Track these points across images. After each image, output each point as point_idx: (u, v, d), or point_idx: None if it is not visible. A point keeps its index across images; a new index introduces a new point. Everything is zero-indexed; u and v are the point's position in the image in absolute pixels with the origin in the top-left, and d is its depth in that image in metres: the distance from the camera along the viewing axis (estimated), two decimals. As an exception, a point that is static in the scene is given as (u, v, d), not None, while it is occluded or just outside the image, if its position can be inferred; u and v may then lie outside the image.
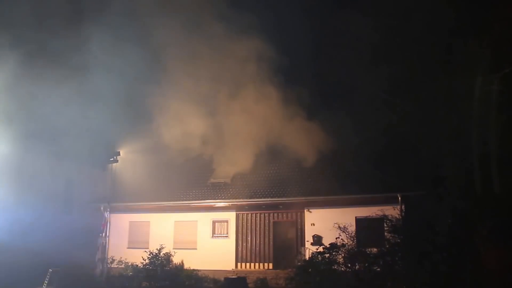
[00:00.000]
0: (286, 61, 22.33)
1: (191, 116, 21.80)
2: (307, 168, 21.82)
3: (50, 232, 20.24)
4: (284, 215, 22.11)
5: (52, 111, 19.24)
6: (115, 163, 22.31)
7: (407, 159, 20.34)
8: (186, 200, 23.04)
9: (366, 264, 15.80)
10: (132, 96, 21.81)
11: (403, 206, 19.11)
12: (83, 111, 20.46)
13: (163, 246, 20.68)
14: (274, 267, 21.27)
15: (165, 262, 20.43)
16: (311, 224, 21.08)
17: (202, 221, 23.00)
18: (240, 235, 22.39)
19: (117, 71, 20.33)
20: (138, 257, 20.44)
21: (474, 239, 15.28)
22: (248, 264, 21.93)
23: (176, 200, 23.13)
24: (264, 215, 22.29)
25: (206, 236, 22.81)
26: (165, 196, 23.35)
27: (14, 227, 19.18)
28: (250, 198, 21.91)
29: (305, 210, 21.36)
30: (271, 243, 21.89)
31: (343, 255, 16.20)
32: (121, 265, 21.38)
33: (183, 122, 21.87)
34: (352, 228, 17.45)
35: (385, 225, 16.78)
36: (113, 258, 21.71)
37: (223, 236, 22.65)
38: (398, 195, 19.33)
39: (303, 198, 21.08)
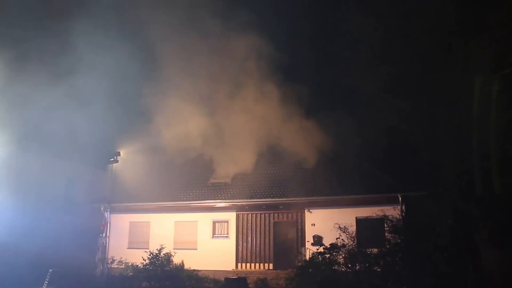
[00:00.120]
0: (286, 60, 22.39)
1: (191, 116, 21.80)
2: (308, 168, 21.81)
3: (50, 232, 20.23)
4: (284, 216, 22.11)
5: (52, 112, 19.22)
6: (115, 163, 22.27)
7: (408, 159, 20.31)
8: (186, 201, 23.06)
9: (367, 265, 15.82)
10: (132, 96, 21.85)
11: (403, 207, 19.15)
12: (83, 111, 20.43)
13: (163, 246, 20.64)
14: (274, 268, 21.29)
15: (165, 262, 20.39)
16: (312, 225, 21.09)
17: (202, 221, 23.01)
18: (240, 236, 22.39)
19: (117, 71, 20.34)
20: (138, 258, 20.41)
21: (474, 239, 15.30)
22: (248, 265, 21.94)
23: (176, 201, 23.14)
24: (265, 215, 22.29)
25: (206, 237, 22.83)
26: (165, 196, 23.35)
27: (14, 227, 19.18)
28: (251, 198, 21.93)
29: (306, 210, 21.37)
30: (272, 243, 21.90)
31: (343, 255, 16.23)
32: (121, 265, 21.36)
33: (183, 122, 21.87)
34: (352, 228, 17.50)
35: (385, 225, 16.82)
36: (113, 258, 21.68)
37: (224, 237, 22.65)
38: (399, 196, 19.37)
39: (304, 198, 21.10)
